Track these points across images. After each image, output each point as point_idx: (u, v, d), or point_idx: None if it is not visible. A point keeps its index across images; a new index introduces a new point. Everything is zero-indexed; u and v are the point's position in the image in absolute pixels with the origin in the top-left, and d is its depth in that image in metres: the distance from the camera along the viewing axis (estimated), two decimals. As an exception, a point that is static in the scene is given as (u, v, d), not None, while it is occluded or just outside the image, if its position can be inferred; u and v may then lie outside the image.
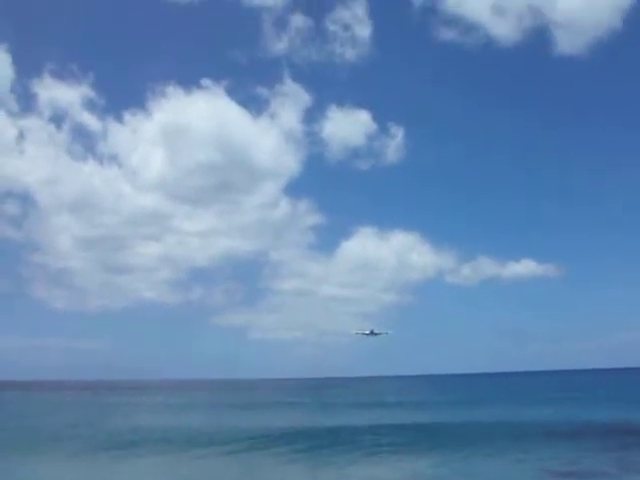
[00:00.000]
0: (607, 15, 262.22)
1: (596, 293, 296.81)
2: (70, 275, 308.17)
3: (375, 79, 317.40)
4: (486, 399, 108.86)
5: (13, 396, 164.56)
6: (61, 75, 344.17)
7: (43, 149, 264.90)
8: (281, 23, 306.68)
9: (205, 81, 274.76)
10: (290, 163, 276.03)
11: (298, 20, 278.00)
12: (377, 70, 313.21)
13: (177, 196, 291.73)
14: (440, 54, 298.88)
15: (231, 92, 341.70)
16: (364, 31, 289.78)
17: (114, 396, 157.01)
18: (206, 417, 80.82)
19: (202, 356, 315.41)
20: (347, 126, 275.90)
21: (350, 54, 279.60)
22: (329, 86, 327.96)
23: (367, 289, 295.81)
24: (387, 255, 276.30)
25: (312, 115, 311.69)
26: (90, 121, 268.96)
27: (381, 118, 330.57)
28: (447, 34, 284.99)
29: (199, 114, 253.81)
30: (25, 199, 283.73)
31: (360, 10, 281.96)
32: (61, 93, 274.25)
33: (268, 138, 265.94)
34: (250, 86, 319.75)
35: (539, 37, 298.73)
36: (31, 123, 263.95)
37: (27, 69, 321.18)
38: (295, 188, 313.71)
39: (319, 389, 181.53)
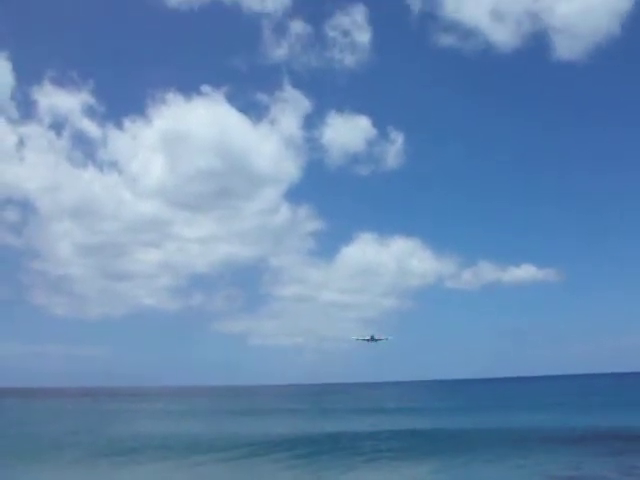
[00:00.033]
0: (605, 21, 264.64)
1: (596, 298, 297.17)
2: (70, 282, 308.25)
3: (374, 85, 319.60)
4: (486, 404, 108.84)
5: (14, 403, 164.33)
6: (61, 82, 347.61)
7: (43, 156, 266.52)
8: (281, 30, 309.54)
9: (205, 88, 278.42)
10: (290, 169, 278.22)
11: (297, 26, 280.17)
12: (376, 76, 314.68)
13: (177, 202, 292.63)
14: (439, 60, 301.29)
15: (231, 98, 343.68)
16: (363, 37, 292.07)
17: (114, 403, 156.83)
18: (206, 424, 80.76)
19: (202, 362, 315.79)
20: (347, 132, 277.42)
21: (350, 60, 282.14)
22: (329, 92, 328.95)
23: (367, 295, 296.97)
24: (387, 260, 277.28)
25: (312, 121, 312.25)
26: (90, 128, 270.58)
27: (381, 124, 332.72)
28: (446, 40, 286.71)
29: (199, 121, 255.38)
30: (25, 206, 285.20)
31: (359, 16, 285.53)
32: (61, 100, 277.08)
33: (268, 144, 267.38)
34: (250, 92, 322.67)
35: (538, 42, 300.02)
36: (31, 130, 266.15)
37: (27, 76, 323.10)
38: (295, 194, 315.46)
39: (319, 395, 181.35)
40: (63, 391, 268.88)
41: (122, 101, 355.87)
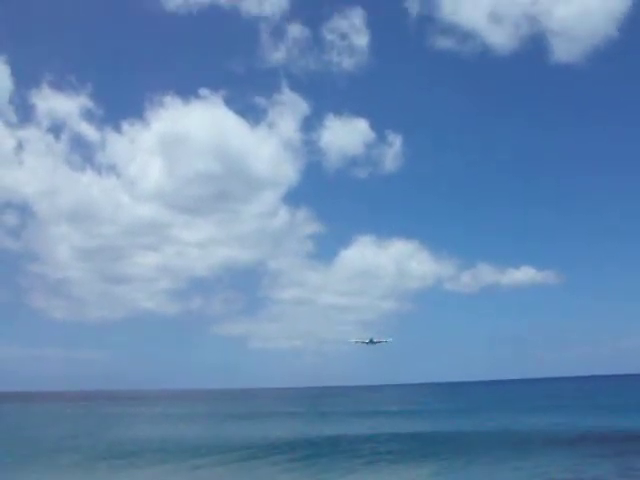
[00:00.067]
0: (603, 23, 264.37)
1: (596, 300, 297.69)
2: (69, 285, 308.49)
3: (373, 88, 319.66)
4: (485, 407, 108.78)
5: (13, 408, 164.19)
6: (59, 86, 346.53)
7: (42, 159, 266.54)
8: (278, 33, 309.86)
9: (203, 91, 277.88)
10: (288, 172, 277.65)
11: (295, 30, 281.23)
12: (374, 79, 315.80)
13: (175, 206, 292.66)
14: (437, 62, 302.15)
15: (229, 102, 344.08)
16: (361, 40, 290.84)
17: (113, 406, 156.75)
18: (205, 427, 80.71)
19: (201, 366, 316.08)
20: (345, 135, 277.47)
21: (347, 63, 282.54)
22: (327, 95, 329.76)
23: (366, 297, 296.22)
24: (386, 263, 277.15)
25: (310, 124, 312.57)
26: (88, 131, 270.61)
27: (379, 126, 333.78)
28: (444, 42, 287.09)
29: (197, 124, 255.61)
30: (24, 209, 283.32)
31: (357, 19, 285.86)
32: (59, 104, 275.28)
33: (266, 147, 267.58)
34: (248, 95, 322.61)
35: (535, 45, 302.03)
36: (30, 134, 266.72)
37: (25, 80, 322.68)
38: (294, 197, 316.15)
39: (319, 398, 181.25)
40: (62, 395, 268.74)
41: (120, 104, 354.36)
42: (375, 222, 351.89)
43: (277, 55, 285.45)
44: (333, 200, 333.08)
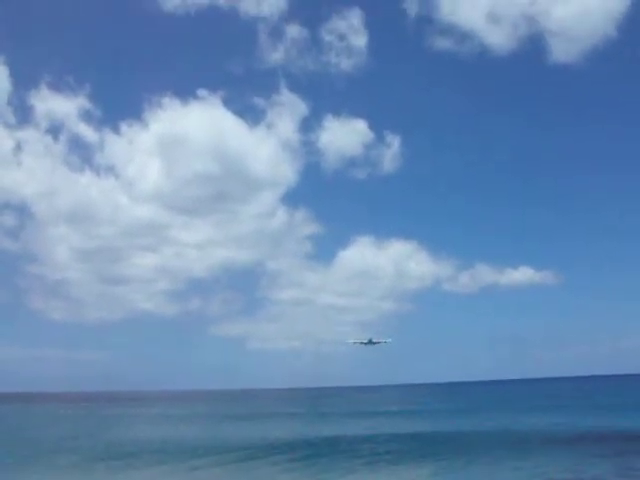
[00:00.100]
0: (601, 23, 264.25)
1: (594, 300, 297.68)
2: (67, 286, 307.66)
3: (371, 88, 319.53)
4: (484, 407, 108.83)
5: (13, 409, 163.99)
6: (58, 87, 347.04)
7: (40, 161, 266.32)
8: (277, 33, 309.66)
9: (201, 91, 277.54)
10: (287, 173, 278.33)
11: (294, 30, 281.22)
12: (373, 79, 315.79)
13: (174, 207, 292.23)
14: (436, 63, 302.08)
15: (227, 102, 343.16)
16: (360, 41, 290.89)
17: (113, 408, 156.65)
18: (204, 428, 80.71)
19: (200, 366, 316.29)
20: (343, 135, 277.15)
21: (346, 64, 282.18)
22: (325, 96, 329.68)
23: (365, 298, 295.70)
24: (385, 264, 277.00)
25: (308, 125, 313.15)
26: (87, 132, 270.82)
27: (377, 127, 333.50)
28: (442, 43, 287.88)
29: (196, 124, 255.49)
30: (22, 210, 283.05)
31: (355, 20, 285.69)
32: (58, 105, 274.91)
33: (265, 148, 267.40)
34: (246, 96, 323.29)
35: (534, 45, 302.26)
36: (28, 135, 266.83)
37: (24, 81, 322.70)
38: (292, 198, 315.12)
39: (318, 398, 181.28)
40: (62, 396, 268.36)
41: (119, 105, 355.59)
42: (374, 223, 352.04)
43: (275, 56, 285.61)
44: (332, 201, 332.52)
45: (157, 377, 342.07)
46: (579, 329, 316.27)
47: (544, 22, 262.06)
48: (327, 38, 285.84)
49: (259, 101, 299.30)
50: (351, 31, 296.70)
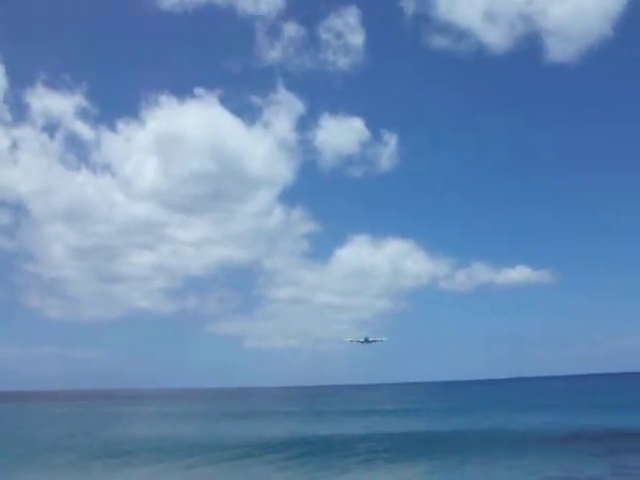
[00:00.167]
0: (598, 22, 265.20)
1: (591, 299, 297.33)
2: (64, 284, 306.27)
3: (368, 87, 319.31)
4: (480, 406, 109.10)
5: (9, 407, 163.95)
6: (54, 85, 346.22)
7: (36, 159, 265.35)
8: (274, 32, 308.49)
9: (198, 90, 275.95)
10: (284, 171, 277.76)
11: (291, 29, 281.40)
12: (370, 78, 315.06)
13: (171, 205, 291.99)
14: (432, 61, 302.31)
15: (224, 101, 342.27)
16: (357, 39, 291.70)
17: (110, 406, 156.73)
18: (201, 426, 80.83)
19: (197, 365, 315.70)
20: (340, 134, 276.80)
21: (343, 62, 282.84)
22: (322, 94, 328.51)
23: (361, 296, 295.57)
24: (381, 262, 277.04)
25: (305, 123, 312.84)
26: (83, 130, 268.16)
27: (374, 125, 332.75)
28: (439, 41, 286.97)
29: (192, 123, 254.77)
30: (18, 208, 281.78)
31: (352, 18, 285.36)
32: (54, 103, 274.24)
33: (262, 146, 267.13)
34: (243, 95, 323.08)
35: (530, 44, 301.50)
36: (24, 133, 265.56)
37: (20, 79, 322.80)
38: (289, 196, 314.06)
39: (314, 397, 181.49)
40: (58, 394, 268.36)
41: (115, 103, 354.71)
42: (370, 221, 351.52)
43: (272, 54, 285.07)
44: (328, 199, 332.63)
45: (154, 375, 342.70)
46: (575, 328, 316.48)
47: (541, 21, 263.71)
48: (324, 36, 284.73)
49: (256, 99, 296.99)
50: (348, 29, 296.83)
